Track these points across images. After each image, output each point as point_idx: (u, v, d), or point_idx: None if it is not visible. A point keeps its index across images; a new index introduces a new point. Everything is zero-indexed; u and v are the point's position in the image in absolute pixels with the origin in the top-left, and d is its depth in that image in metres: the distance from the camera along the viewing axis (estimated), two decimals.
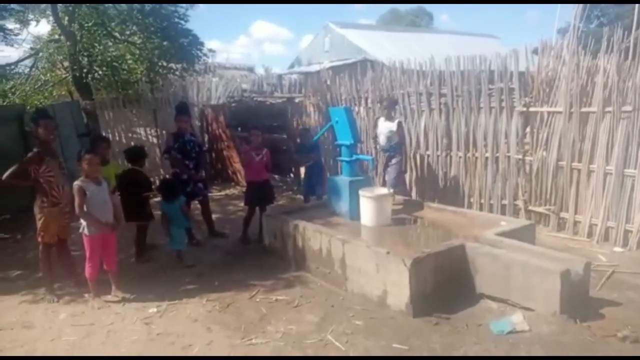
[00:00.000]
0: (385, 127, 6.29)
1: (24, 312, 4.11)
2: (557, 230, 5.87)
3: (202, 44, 9.55)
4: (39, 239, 4.36)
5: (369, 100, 7.72)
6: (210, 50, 10.18)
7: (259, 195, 5.72)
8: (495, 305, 3.76)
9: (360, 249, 4.13)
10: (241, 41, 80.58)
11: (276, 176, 9.07)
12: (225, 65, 20.69)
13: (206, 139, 10.19)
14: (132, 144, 8.30)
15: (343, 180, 5.25)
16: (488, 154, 6.41)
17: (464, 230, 4.57)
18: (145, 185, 5.25)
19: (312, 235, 4.62)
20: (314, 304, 4.05)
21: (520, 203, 6.19)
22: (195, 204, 6.05)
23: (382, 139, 6.33)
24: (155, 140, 9.48)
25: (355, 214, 5.04)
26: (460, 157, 6.71)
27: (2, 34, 7.86)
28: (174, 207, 5.01)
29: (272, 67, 23.84)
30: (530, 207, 6.10)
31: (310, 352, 3.27)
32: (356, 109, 7.87)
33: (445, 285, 3.83)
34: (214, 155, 10.25)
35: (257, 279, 4.58)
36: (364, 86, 7.84)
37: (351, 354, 3.22)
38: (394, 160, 6.24)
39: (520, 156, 6.11)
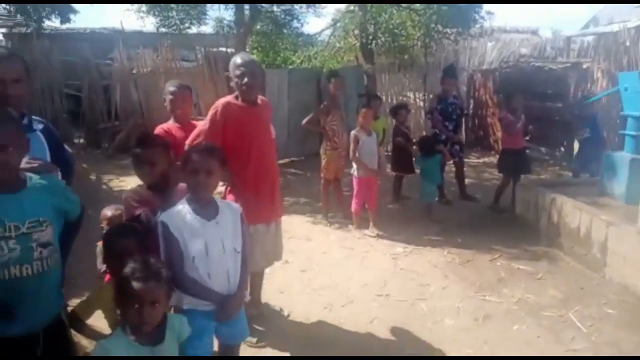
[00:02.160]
0: None
1: (307, 229, 5.27)
2: None
3: (480, 6, 9.35)
4: (321, 175, 5.45)
5: None
6: (488, 13, 9.86)
7: (515, 163, 5.52)
8: None
9: (630, 235, 3.60)
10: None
11: (543, 149, 8.37)
12: (505, 28, 19.41)
13: (471, 104, 10.12)
14: None
15: (622, 157, 4.53)
16: None
17: None
18: (399, 135, 5.92)
19: (571, 211, 4.25)
20: (560, 281, 3.82)
21: None
22: (450, 166, 6.29)
23: None
24: (421, 104, 10.00)
25: (633, 198, 4.31)
26: None
27: (313, 8, 9.61)
28: (428, 163, 5.38)
29: (562, 29, 21.00)
30: None
31: (545, 324, 3.18)
32: None
33: None
34: (476, 121, 10.12)
35: (501, 245, 4.56)
36: None
37: (593, 339, 2.98)
38: None
39: None
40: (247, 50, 9.45)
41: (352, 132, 4.90)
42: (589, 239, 3.97)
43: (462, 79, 9.73)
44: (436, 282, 3.84)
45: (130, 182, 4.16)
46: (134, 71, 9.18)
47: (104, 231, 2.53)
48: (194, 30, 9.03)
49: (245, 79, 2.65)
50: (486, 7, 9.81)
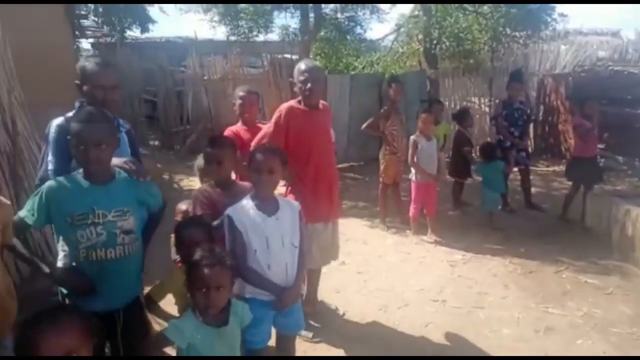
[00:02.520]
0: None
1: (364, 233, 5.32)
2: None
3: (552, 8, 8.95)
4: (380, 179, 5.49)
5: None
6: (561, 15, 9.40)
7: (585, 172, 5.24)
8: None
9: None
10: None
11: (620, 158, 7.83)
12: (580, 30, 18.30)
13: (541, 110, 9.67)
14: None
15: None
16: None
17: None
18: (464, 143, 5.77)
19: None
20: (632, 297, 3.59)
21: None
22: (516, 174, 6.07)
23: None
24: (487, 110, 9.70)
25: None
26: None
27: (376, 14, 9.69)
28: (489, 170, 5.24)
29: None
30: None
31: (613, 340, 3.02)
32: None
33: None
34: (546, 128, 9.64)
35: (568, 257, 4.35)
36: None
37: None
38: None
39: None
40: (311, 56, 9.71)
41: (411, 137, 4.91)
42: None
43: (531, 83, 9.33)
44: (495, 292, 3.75)
45: (199, 182, 4.44)
46: (205, 78, 9.71)
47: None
48: (260, 38, 9.43)
49: (309, 85, 2.79)
50: (559, 9, 9.39)
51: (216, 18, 8.56)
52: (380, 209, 5.58)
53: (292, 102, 2.96)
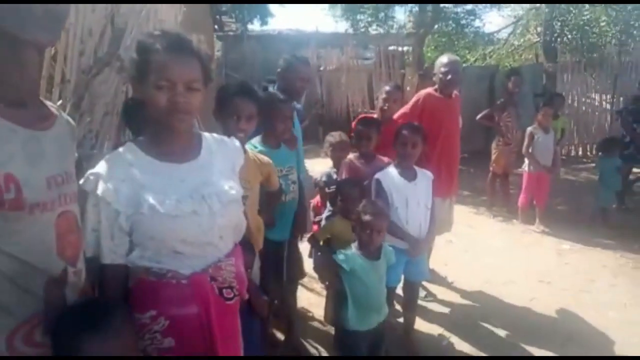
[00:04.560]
0: None
1: (470, 218, 5.57)
2: None
3: None
4: (490, 169, 5.71)
5: None
6: None
7: None
8: None
9: None
10: None
11: None
12: None
13: None
14: (583, 108, 8.64)
15: None
16: None
17: None
18: None
19: None
20: None
21: None
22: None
23: None
24: (608, 107, 9.21)
25: None
26: None
27: (497, 7, 9.60)
28: (606, 165, 5.22)
29: None
30: None
31: None
32: None
33: None
34: None
35: None
36: None
37: None
38: None
39: None
40: (424, 48, 9.96)
41: (529, 129, 5.07)
42: None
43: None
44: (603, 280, 3.89)
45: (312, 164, 4.80)
46: (321, 68, 10.44)
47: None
48: (375, 31, 9.90)
49: (449, 76, 3.22)
50: None
51: (338, 13, 9.19)
52: (488, 197, 5.83)
53: (430, 90, 3.41)
